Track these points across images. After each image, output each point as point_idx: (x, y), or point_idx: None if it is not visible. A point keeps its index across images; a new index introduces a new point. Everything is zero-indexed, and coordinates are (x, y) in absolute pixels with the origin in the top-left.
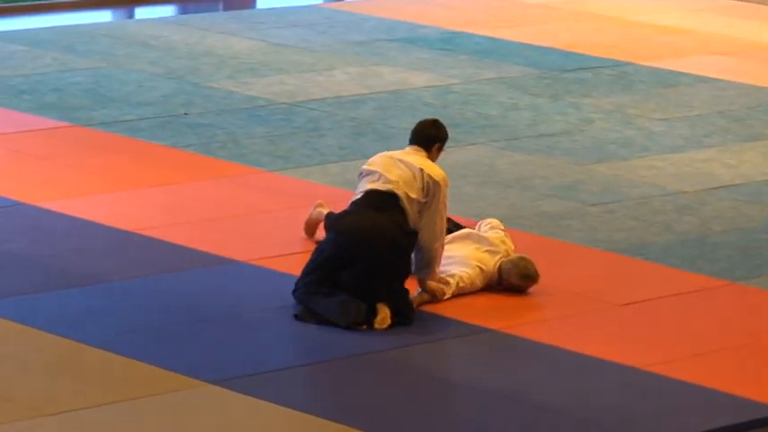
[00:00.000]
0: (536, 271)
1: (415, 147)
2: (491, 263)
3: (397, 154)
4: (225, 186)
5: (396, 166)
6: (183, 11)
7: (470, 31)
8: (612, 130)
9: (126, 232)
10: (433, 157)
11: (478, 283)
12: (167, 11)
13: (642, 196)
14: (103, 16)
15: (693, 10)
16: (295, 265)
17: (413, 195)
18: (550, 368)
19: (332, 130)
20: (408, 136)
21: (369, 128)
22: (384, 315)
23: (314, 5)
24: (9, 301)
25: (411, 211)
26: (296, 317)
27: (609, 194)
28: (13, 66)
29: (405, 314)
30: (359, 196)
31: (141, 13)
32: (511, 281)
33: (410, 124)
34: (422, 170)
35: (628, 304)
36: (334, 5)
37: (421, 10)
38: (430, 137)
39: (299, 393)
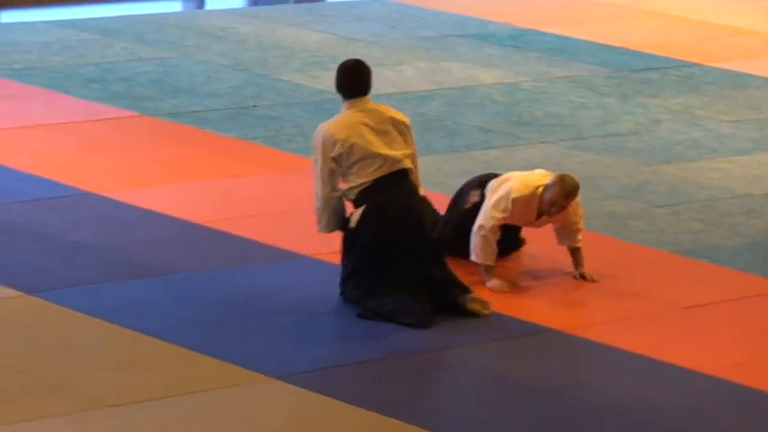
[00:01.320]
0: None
1: (362, 99)
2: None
3: (361, 118)
4: (292, 179)
5: (381, 136)
6: (254, 2)
7: (540, 28)
8: (680, 132)
9: (192, 224)
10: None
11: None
12: (238, 2)
13: (709, 198)
14: (173, 6)
15: (763, 11)
16: None
17: (409, 151)
18: (613, 369)
19: None
20: (474, 132)
21: (436, 124)
22: (482, 302)
23: (384, 0)
24: (74, 291)
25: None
26: (359, 315)
27: (676, 196)
28: (82, 54)
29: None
30: (368, 183)
31: (211, 3)
32: (554, 200)
33: (479, 121)
34: (404, 124)
35: (692, 307)
36: (404, 0)
37: (491, 6)
38: (368, 80)
39: (361, 389)
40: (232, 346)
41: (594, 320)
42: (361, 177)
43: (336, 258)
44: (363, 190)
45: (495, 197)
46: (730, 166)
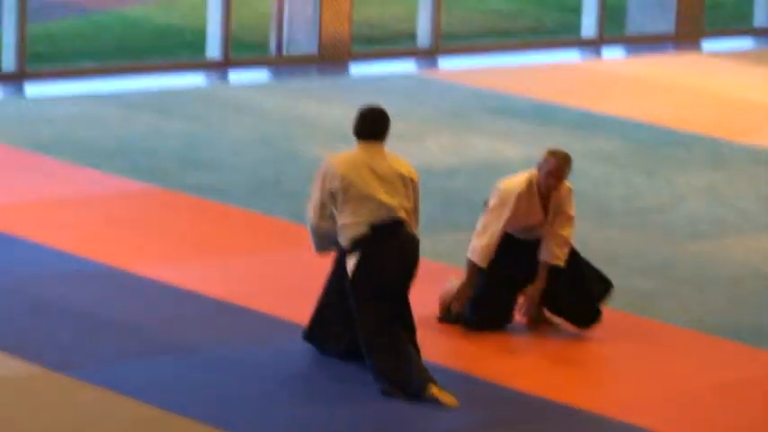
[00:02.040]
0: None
1: (374, 142)
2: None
3: (368, 161)
4: (315, 255)
5: (383, 183)
6: (277, 75)
7: (563, 102)
8: (705, 208)
9: (216, 300)
10: (385, 145)
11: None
12: (261, 75)
13: (734, 276)
14: (197, 79)
15: None
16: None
17: (408, 205)
18: None
19: (422, 199)
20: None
21: (460, 199)
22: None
23: (407, 73)
24: (99, 368)
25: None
26: (383, 392)
27: (701, 273)
28: (105, 127)
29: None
30: (363, 231)
31: (235, 76)
32: (551, 170)
33: None
34: (411, 179)
35: (719, 386)
36: (427, 73)
37: (514, 80)
38: (385, 128)
39: None
40: (257, 425)
41: (621, 400)
42: (355, 217)
43: None
44: (360, 237)
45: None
46: (756, 243)
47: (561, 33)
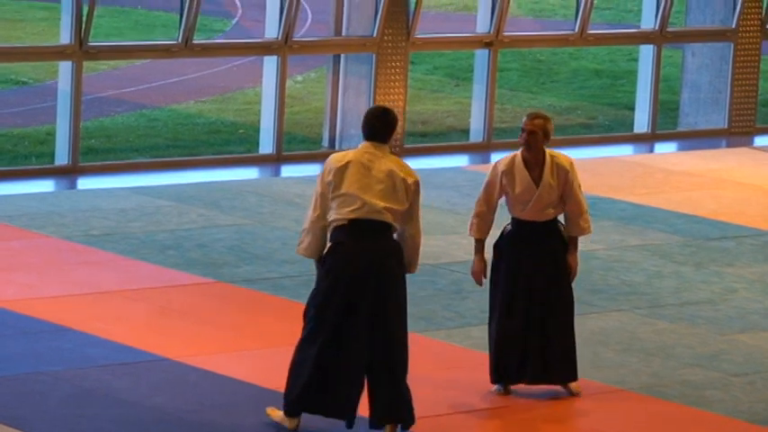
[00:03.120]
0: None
1: (375, 143)
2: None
3: (364, 159)
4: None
5: (373, 182)
6: None
7: (615, 196)
8: (756, 300)
9: (269, 390)
10: (390, 146)
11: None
12: (314, 169)
13: None
14: (250, 173)
15: None
16: (436, 428)
17: (397, 207)
18: None
19: (474, 293)
20: None
21: None
22: None
23: (459, 167)
24: None
25: (397, 223)
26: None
27: (752, 365)
28: (158, 221)
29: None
30: (342, 223)
31: (287, 171)
32: (523, 127)
33: None
34: (409, 183)
35: None
36: (479, 168)
37: None
38: (389, 129)
39: None
40: None
41: None
42: (338, 214)
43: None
44: (338, 227)
45: None
46: None
47: (614, 129)
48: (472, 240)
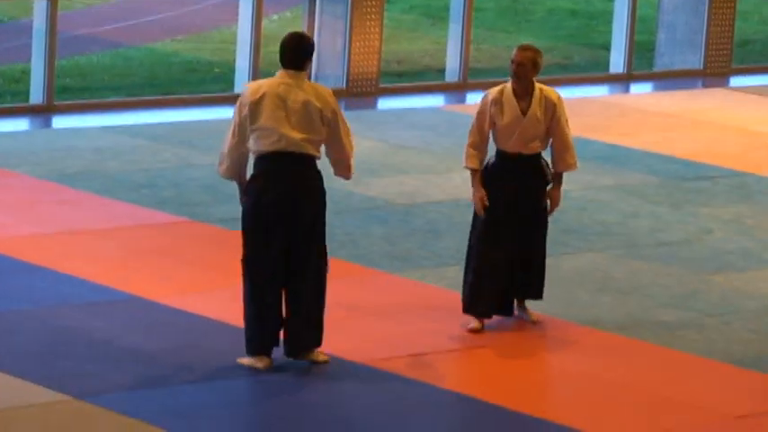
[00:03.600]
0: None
1: (291, 71)
2: None
3: (279, 90)
4: (343, 285)
5: (289, 114)
6: None
7: (590, 137)
8: (731, 241)
9: (240, 329)
10: (308, 72)
11: None
12: None
13: (760, 308)
14: (226, 112)
15: None
16: (412, 368)
17: (315, 137)
18: None
19: (449, 232)
20: None
21: None
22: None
23: (435, 107)
24: (123, 396)
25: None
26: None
27: (726, 305)
28: (133, 160)
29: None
30: (266, 153)
31: None
32: (512, 58)
33: None
34: (320, 110)
35: (744, 416)
36: (455, 108)
37: None
38: (304, 56)
39: None
40: None
41: (640, 429)
42: (258, 146)
43: (389, 365)
44: (259, 158)
45: None
46: None
47: (590, 69)
48: (448, 180)
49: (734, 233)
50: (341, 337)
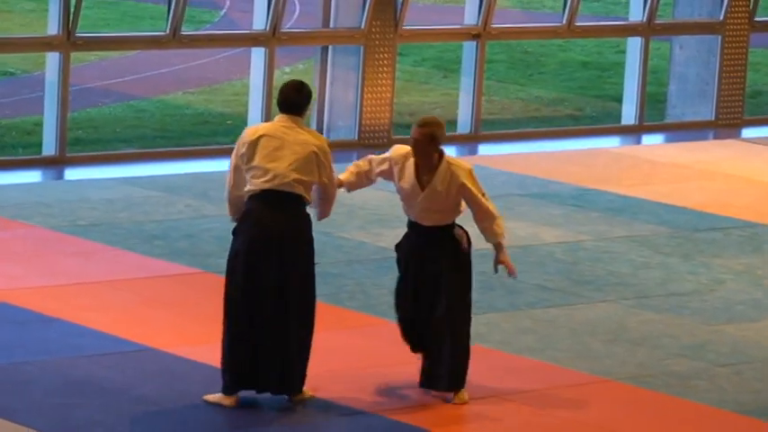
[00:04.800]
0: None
1: (291, 116)
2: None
3: (278, 132)
4: (354, 337)
5: (286, 154)
6: None
7: (602, 188)
8: (742, 291)
9: None
10: (304, 119)
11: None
12: None
13: None
14: None
15: None
16: (422, 419)
17: (308, 179)
18: None
19: None
20: (535, 291)
21: (498, 282)
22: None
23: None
24: None
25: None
26: None
27: (737, 355)
28: (146, 211)
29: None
30: (255, 192)
31: None
32: (411, 134)
33: (540, 279)
34: (319, 151)
35: None
36: (465, 159)
37: (553, 166)
38: (304, 102)
39: None
40: None
41: None
42: (252, 185)
43: (396, 416)
44: (250, 197)
45: None
46: None
47: (602, 121)
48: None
49: (745, 284)
50: (351, 387)
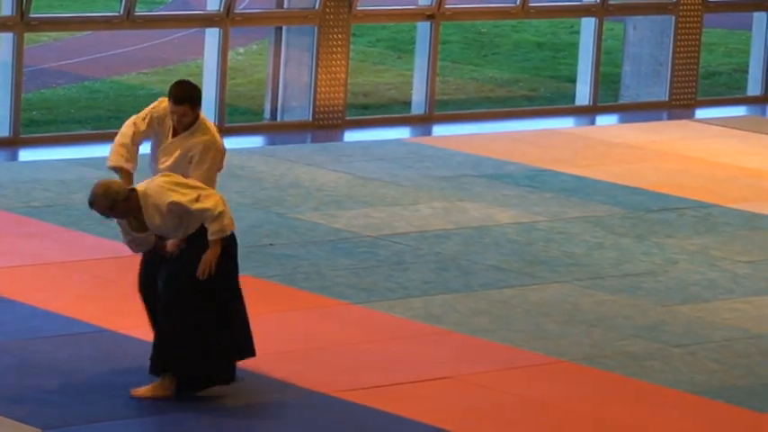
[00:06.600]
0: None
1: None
2: None
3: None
4: (308, 318)
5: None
6: (271, 142)
7: (556, 168)
8: (696, 272)
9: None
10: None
11: None
12: (256, 141)
13: (725, 338)
14: None
15: None
16: (377, 399)
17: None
18: None
19: (416, 264)
20: (489, 272)
21: (452, 263)
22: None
23: (400, 140)
24: (88, 428)
25: None
26: None
27: (692, 336)
28: None
29: None
30: None
31: (228, 143)
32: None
33: (494, 260)
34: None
35: None
36: (420, 140)
37: (507, 147)
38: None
39: None
40: None
41: None
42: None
43: (354, 396)
44: None
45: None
46: (746, 306)
47: (556, 102)
48: (414, 212)
49: (699, 264)
50: (306, 367)
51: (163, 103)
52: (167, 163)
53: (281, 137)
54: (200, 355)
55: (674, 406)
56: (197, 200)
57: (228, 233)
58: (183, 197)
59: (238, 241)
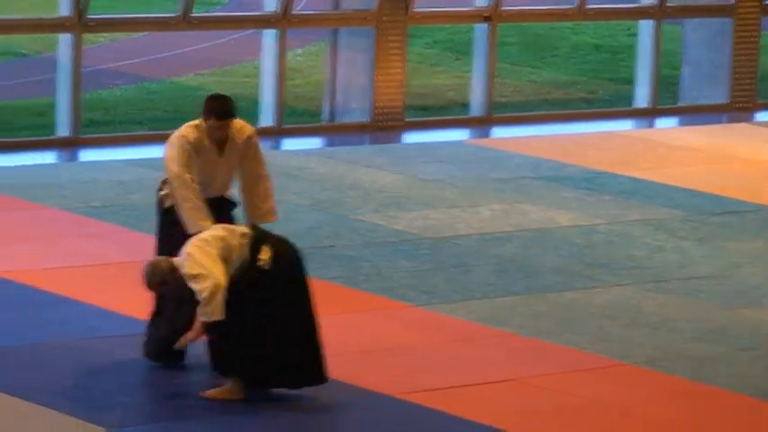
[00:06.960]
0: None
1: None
2: None
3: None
4: (370, 319)
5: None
6: (330, 143)
7: (615, 171)
8: (759, 275)
9: None
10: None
11: None
12: (314, 143)
13: None
14: None
15: None
16: (438, 401)
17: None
18: None
19: (477, 266)
20: (550, 274)
21: (513, 265)
22: None
23: (459, 141)
24: (152, 427)
25: None
26: None
27: (757, 339)
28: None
29: None
30: None
31: (288, 144)
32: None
33: (555, 263)
34: None
35: None
36: (479, 142)
37: (566, 149)
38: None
39: None
40: None
41: None
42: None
43: (415, 398)
44: None
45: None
46: None
47: (615, 104)
48: (474, 214)
49: (762, 268)
50: (368, 369)
51: (187, 131)
52: (225, 178)
53: (339, 138)
54: (269, 361)
55: (740, 411)
56: (194, 278)
57: (213, 319)
58: (187, 268)
59: (298, 242)
